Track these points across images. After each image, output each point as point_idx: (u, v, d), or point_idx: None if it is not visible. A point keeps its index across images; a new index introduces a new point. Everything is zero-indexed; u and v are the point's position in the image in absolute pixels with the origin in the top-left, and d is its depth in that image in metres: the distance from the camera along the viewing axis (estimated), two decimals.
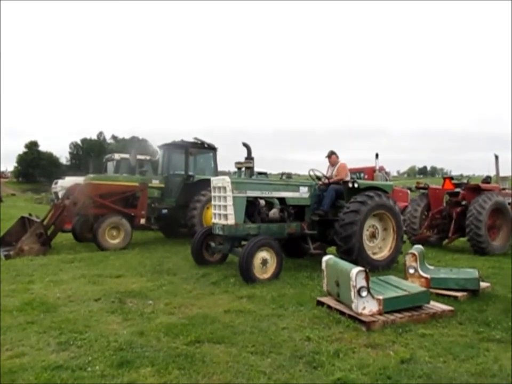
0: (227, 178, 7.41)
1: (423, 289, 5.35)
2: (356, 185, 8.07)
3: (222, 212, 7.42)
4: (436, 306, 5.21)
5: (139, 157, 15.05)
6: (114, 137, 79.02)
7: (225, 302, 5.72)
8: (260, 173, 19.71)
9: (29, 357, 3.92)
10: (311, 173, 8.92)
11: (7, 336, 4.41)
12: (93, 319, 4.97)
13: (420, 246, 6.72)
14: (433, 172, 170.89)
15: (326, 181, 8.72)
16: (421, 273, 6.12)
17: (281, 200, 8.19)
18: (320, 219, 8.27)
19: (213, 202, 7.82)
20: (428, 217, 11.48)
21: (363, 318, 4.72)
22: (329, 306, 5.27)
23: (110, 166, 16.24)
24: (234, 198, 7.24)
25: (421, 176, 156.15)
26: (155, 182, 12.01)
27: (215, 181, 7.72)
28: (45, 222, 10.29)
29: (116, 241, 10.57)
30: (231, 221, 7.22)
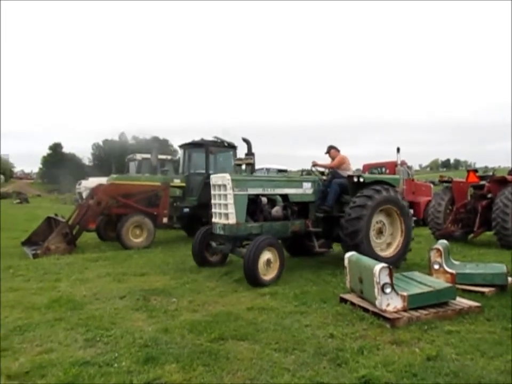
0: (227, 176, 7.09)
1: (449, 285, 5.27)
2: (361, 179, 7.69)
3: (223, 210, 7.11)
4: (462, 302, 5.12)
5: (160, 156, 15.21)
6: (135, 138, 79.87)
7: (248, 300, 5.75)
8: (280, 170, 19.68)
9: (58, 353, 4.02)
10: (313, 169, 8.61)
11: (36, 333, 4.54)
12: (118, 316, 5.06)
13: (444, 241, 6.60)
14: (457, 164, 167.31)
15: (327, 171, 8.53)
16: (446, 268, 6.02)
17: (284, 197, 7.84)
18: (325, 216, 7.95)
19: (212, 201, 7.48)
20: (452, 211, 11.27)
21: (387, 315, 4.66)
22: (352, 303, 5.23)
23: (132, 166, 16.46)
24: (235, 196, 6.93)
25: (444, 169, 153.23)
26: (176, 181, 12.13)
27: (215, 178, 7.40)
28: (70, 222, 10.49)
29: (139, 240, 10.74)
30: (232, 220, 6.91)
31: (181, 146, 13.12)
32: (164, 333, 4.45)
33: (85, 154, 74.33)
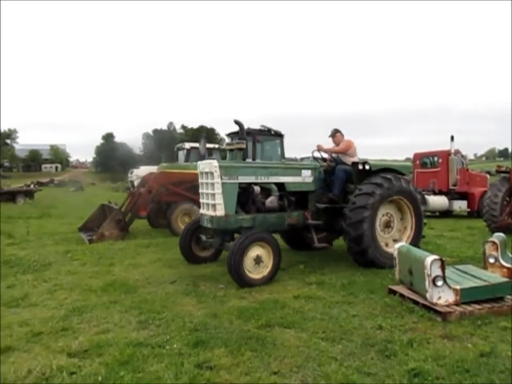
0: (214, 162, 6.38)
1: (505, 279, 5.04)
2: (367, 166, 7.04)
3: (210, 201, 6.45)
4: None
5: (208, 145, 15.39)
6: (183, 127, 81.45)
7: (294, 288, 5.77)
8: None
9: (113, 333, 4.23)
10: (315, 154, 7.86)
11: (93, 314, 4.80)
12: (169, 301, 5.24)
13: (501, 234, 6.28)
14: None
15: (330, 158, 7.79)
16: (503, 262, 5.74)
17: (280, 186, 7.01)
18: (327, 207, 7.23)
19: (200, 190, 6.86)
20: (510, 203, 10.73)
21: (438, 308, 4.54)
22: (401, 295, 5.13)
23: (181, 155, 16.77)
24: (223, 184, 6.26)
25: (502, 159, 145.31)
26: None
27: (202, 165, 6.71)
28: (122, 209, 10.91)
29: None
30: (220, 211, 6.25)
31: (228, 135, 13.25)
32: (212, 318, 4.58)
33: (136, 144, 76.65)
